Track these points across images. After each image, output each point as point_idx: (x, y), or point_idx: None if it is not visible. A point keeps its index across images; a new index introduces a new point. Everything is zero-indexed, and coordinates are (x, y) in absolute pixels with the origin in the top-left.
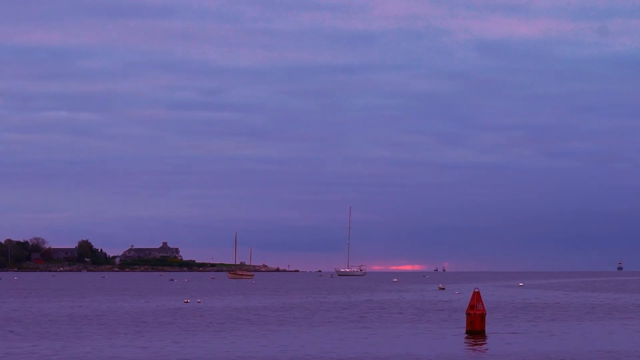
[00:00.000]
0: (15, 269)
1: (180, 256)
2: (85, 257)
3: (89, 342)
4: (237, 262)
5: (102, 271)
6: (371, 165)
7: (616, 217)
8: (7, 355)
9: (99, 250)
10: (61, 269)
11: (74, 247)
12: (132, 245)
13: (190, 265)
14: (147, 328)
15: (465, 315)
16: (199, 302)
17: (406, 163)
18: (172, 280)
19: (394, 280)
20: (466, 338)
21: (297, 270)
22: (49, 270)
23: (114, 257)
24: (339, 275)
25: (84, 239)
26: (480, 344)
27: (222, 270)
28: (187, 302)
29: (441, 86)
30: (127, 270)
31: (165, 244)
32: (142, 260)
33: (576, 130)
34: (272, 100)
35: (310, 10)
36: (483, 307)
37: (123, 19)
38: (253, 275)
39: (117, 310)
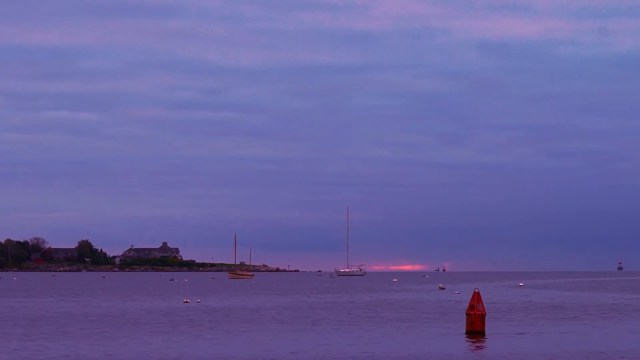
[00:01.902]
0: (15, 269)
1: (180, 256)
2: (85, 257)
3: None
4: (237, 262)
5: (102, 271)
6: (372, 165)
7: (616, 217)
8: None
9: (99, 250)
10: (61, 269)
11: (74, 247)
12: (132, 245)
13: (190, 265)
14: (185, 327)
15: (465, 316)
16: (199, 302)
17: (407, 163)
18: (172, 280)
19: (394, 280)
20: (466, 338)
21: (297, 270)
22: (49, 270)
23: (114, 257)
24: (339, 275)
25: (84, 239)
26: (480, 345)
27: (222, 270)
28: (187, 301)
29: (442, 86)
30: (127, 270)
31: (165, 244)
32: (142, 260)
33: (577, 130)
34: (273, 100)
35: (310, 10)
36: (483, 307)
37: (123, 19)
38: (253, 275)
39: (132, 309)
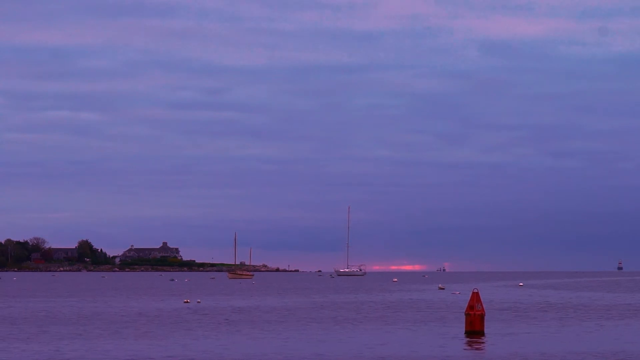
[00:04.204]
0: (15, 269)
1: (180, 256)
2: (86, 257)
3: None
4: (237, 262)
5: (102, 271)
6: (372, 165)
7: (616, 217)
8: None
9: (99, 250)
10: (61, 269)
11: (74, 247)
12: (132, 245)
13: (190, 265)
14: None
15: (465, 316)
16: (199, 302)
17: (408, 163)
18: (172, 280)
19: (394, 280)
20: (466, 338)
21: (297, 270)
22: (49, 270)
23: (114, 257)
24: (339, 275)
25: (84, 239)
26: (480, 345)
27: (222, 270)
28: (187, 302)
29: (443, 86)
30: (127, 270)
31: (165, 244)
32: (142, 260)
33: (579, 129)
34: (274, 99)
35: (311, 9)
36: (482, 307)
37: (124, 19)
38: (253, 275)
39: (132, 310)
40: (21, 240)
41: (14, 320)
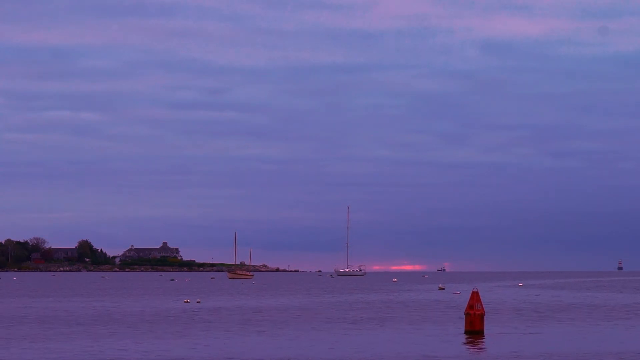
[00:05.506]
0: (15, 269)
1: (181, 256)
2: (86, 257)
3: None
4: (237, 262)
5: (102, 271)
6: (373, 165)
7: (616, 217)
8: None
9: (99, 250)
10: (61, 269)
11: (74, 247)
12: (132, 245)
13: (190, 265)
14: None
15: (465, 316)
16: (199, 302)
17: (408, 163)
18: (172, 280)
19: (393, 280)
20: (465, 338)
21: (297, 270)
22: (49, 270)
23: (114, 257)
24: (339, 275)
25: (84, 239)
26: (480, 344)
27: (222, 270)
28: (187, 301)
29: (444, 86)
30: (127, 270)
31: (165, 244)
32: (142, 260)
33: (580, 129)
34: (274, 99)
35: (311, 9)
36: (482, 307)
37: (124, 18)
38: (253, 275)
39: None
40: (21, 240)
41: (32, 320)
